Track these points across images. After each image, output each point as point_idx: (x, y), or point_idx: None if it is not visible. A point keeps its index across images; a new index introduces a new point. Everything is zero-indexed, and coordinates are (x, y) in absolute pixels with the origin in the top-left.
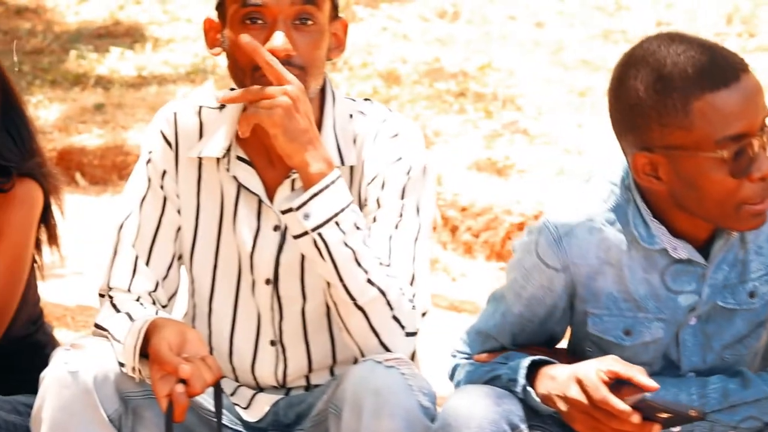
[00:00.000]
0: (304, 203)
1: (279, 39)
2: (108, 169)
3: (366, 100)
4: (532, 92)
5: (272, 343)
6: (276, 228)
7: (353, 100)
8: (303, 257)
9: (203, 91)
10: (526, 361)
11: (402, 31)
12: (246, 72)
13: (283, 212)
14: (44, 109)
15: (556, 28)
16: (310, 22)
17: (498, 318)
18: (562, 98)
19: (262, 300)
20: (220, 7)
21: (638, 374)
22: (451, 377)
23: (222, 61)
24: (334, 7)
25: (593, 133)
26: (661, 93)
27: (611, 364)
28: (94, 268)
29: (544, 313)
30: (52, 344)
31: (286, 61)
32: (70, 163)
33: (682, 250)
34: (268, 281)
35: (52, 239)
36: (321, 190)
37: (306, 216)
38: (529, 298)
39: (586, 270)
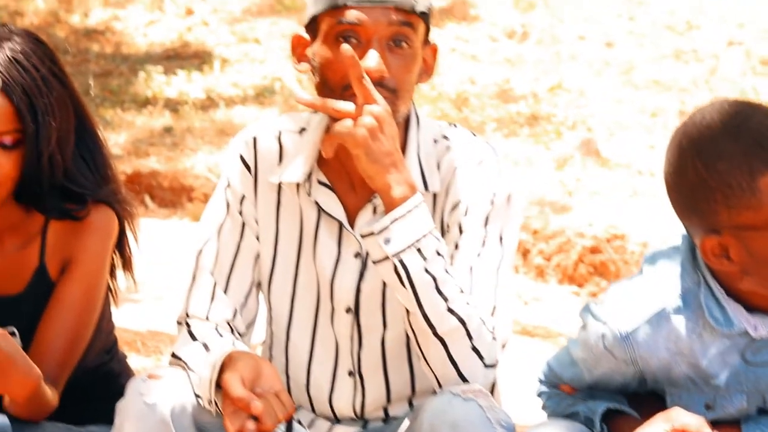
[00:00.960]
0: (386, 227)
1: (373, 59)
2: (177, 191)
3: (451, 124)
4: (603, 113)
5: (350, 373)
6: (357, 255)
7: (437, 124)
8: (385, 284)
9: (283, 117)
10: (603, 408)
11: (470, 52)
12: (335, 90)
13: (364, 236)
14: (113, 132)
15: (626, 48)
16: (404, 45)
17: (574, 374)
18: (633, 119)
19: (341, 329)
20: (312, 23)
21: (704, 427)
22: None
23: (291, 84)
24: (427, 32)
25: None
26: (723, 173)
27: (677, 419)
28: (164, 292)
29: (618, 385)
30: (126, 373)
31: (378, 83)
32: (140, 186)
33: (763, 327)
34: (348, 309)
35: (127, 265)
36: (403, 215)
37: (387, 241)
38: (601, 376)
39: (657, 362)
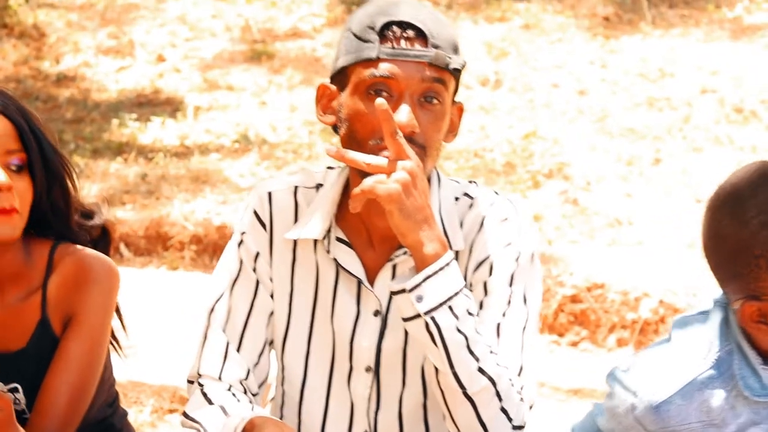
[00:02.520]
0: (418, 285)
1: (405, 114)
2: (153, 240)
3: (471, 182)
4: (579, 161)
5: None
6: (377, 313)
7: (457, 182)
8: (405, 343)
9: (297, 173)
10: None
11: None
12: (363, 144)
13: (395, 293)
14: (87, 180)
15: (599, 96)
16: (435, 101)
17: None
18: (610, 167)
19: (359, 388)
20: (340, 74)
21: None
22: None
23: (265, 131)
24: (456, 90)
25: (643, 203)
26: (766, 238)
27: None
28: (143, 341)
29: None
30: (127, 428)
31: (408, 138)
32: (115, 234)
33: None
34: (368, 369)
35: (119, 315)
36: (435, 272)
37: (419, 298)
38: None
39: None
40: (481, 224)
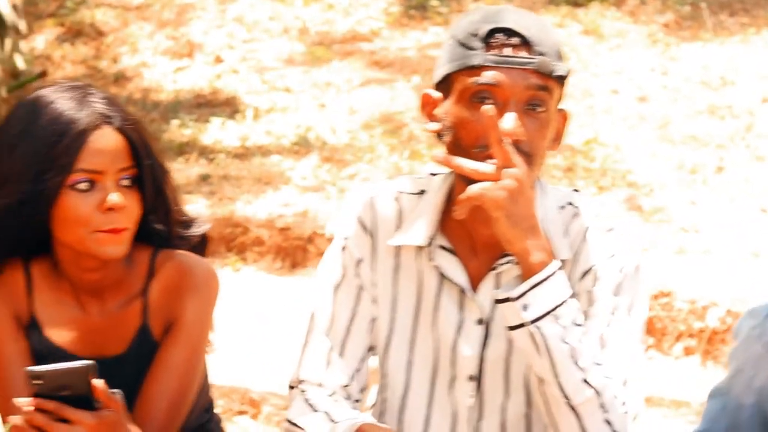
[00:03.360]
0: (524, 293)
1: (511, 121)
2: (216, 241)
3: (575, 190)
4: (641, 168)
5: None
6: (480, 321)
7: (561, 190)
8: (508, 352)
9: (400, 178)
10: None
11: None
12: (467, 151)
13: (500, 301)
14: None
15: (660, 103)
16: (540, 109)
17: (729, 416)
18: (672, 174)
19: (461, 397)
20: (444, 81)
21: None
22: None
23: (325, 133)
24: (561, 97)
25: (707, 211)
26: None
27: None
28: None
29: None
30: None
31: (514, 146)
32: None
33: None
34: (471, 377)
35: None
36: (542, 281)
37: (525, 307)
38: (761, 387)
39: None
40: (586, 234)
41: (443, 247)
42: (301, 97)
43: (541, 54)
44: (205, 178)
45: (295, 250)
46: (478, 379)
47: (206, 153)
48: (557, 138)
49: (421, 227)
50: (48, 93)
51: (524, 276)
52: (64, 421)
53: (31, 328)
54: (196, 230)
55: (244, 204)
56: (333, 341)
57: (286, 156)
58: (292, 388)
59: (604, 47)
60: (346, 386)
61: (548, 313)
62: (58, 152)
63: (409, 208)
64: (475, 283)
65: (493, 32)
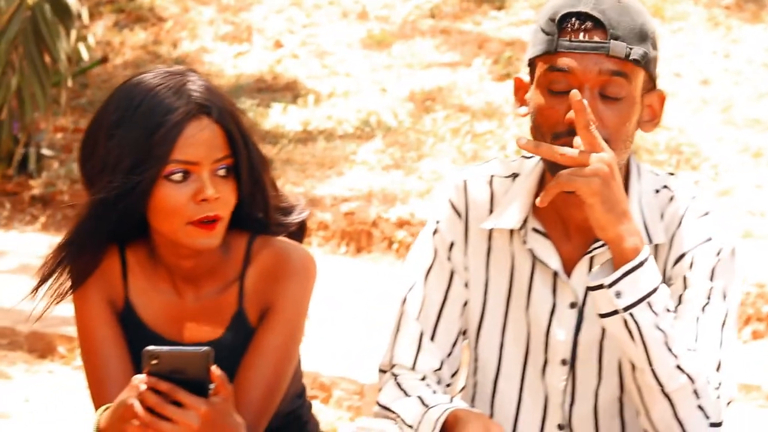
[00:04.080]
0: (617, 280)
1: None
2: None
3: (671, 174)
4: (706, 151)
5: (560, 427)
6: (573, 305)
7: (657, 173)
8: (602, 336)
9: (493, 161)
10: None
11: None
12: (546, 137)
13: (592, 288)
14: None
15: (723, 86)
16: (617, 94)
17: None
18: (737, 158)
19: (553, 381)
20: (530, 67)
21: None
22: None
23: (387, 117)
24: (651, 78)
25: None
26: None
27: None
28: None
29: None
30: (313, 420)
31: None
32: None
33: None
34: (564, 362)
35: None
36: (634, 268)
37: (618, 294)
38: None
39: None
40: (682, 217)
41: (536, 231)
42: (361, 81)
43: (616, 38)
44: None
45: (359, 235)
46: (570, 363)
47: (268, 138)
48: (653, 119)
49: (514, 211)
50: (146, 80)
51: (616, 262)
52: (176, 403)
53: (125, 313)
54: (295, 217)
55: (308, 188)
56: (424, 326)
57: (348, 140)
58: (383, 372)
59: (666, 30)
60: (438, 370)
61: (642, 300)
62: (153, 143)
63: (502, 192)
64: (568, 266)
65: (567, 16)
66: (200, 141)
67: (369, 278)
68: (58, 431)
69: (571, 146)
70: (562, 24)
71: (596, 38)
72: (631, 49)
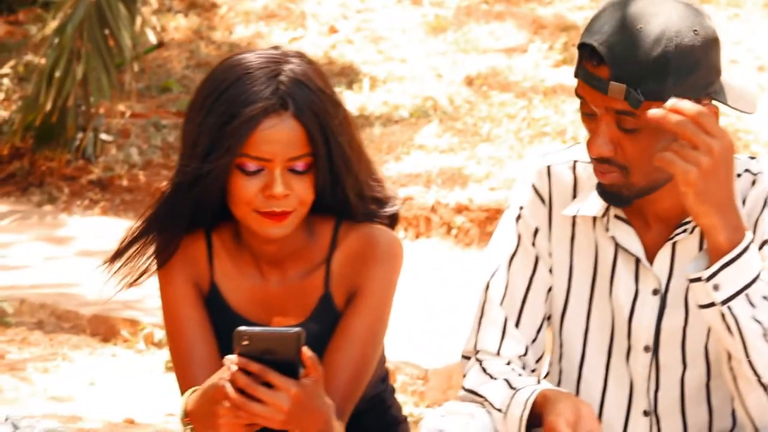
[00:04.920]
0: (715, 274)
1: (595, 139)
2: None
3: (751, 157)
4: (764, 138)
5: (646, 413)
6: (656, 292)
7: (737, 157)
8: (685, 323)
9: (576, 146)
10: None
11: None
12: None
13: (691, 281)
14: None
15: None
16: (630, 127)
17: None
18: None
19: (637, 368)
20: None
21: None
22: None
23: (443, 103)
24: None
25: None
26: None
27: None
28: None
29: None
30: (396, 405)
31: (607, 160)
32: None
33: None
34: (647, 348)
35: None
36: (731, 261)
37: (716, 287)
38: None
39: None
40: (765, 202)
41: (619, 218)
42: (417, 66)
43: (617, 78)
44: None
45: (418, 220)
46: (653, 349)
47: None
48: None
49: (596, 197)
50: (243, 61)
51: (711, 254)
52: (266, 385)
53: (211, 296)
54: (387, 210)
55: None
56: (509, 312)
57: (405, 125)
58: (466, 358)
59: (722, 17)
60: (523, 356)
61: (739, 292)
62: (227, 134)
63: (585, 177)
64: (650, 253)
65: (582, 46)
66: (275, 138)
67: (428, 263)
68: (122, 414)
69: None
70: (581, 50)
71: (600, 75)
72: (633, 90)
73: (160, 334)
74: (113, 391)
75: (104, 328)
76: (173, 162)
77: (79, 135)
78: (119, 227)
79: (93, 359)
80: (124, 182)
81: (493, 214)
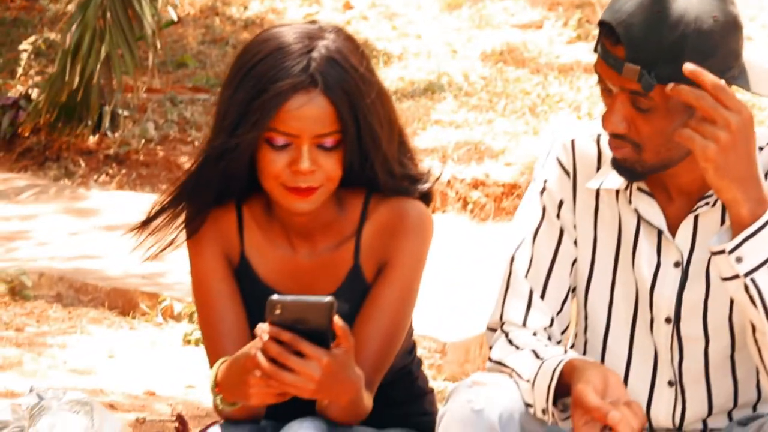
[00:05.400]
0: (738, 246)
1: (610, 115)
2: None
3: None
4: None
5: (670, 383)
6: (677, 264)
7: (759, 131)
8: (706, 296)
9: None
10: None
11: None
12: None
13: (714, 253)
14: None
15: None
16: (642, 104)
17: None
18: None
19: (660, 339)
20: None
21: None
22: None
23: (458, 79)
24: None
25: None
26: None
27: None
28: None
29: None
30: (422, 377)
31: (621, 136)
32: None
33: None
34: (668, 320)
35: None
36: (754, 233)
37: (739, 260)
38: None
39: None
40: None
41: (641, 190)
42: (432, 42)
43: (633, 59)
44: None
45: (434, 195)
46: (675, 321)
47: None
48: None
49: None
50: (278, 35)
51: (733, 226)
52: (298, 354)
53: (241, 267)
54: (420, 186)
55: None
56: (534, 284)
57: (420, 101)
58: (492, 330)
59: None
60: (548, 327)
61: (762, 265)
62: (254, 108)
63: (609, 150)
64: (673, 226)
65: (602, 24)
66: (303, 115)
67: (445, 238)
68: (142, 387)
69: None
70: (600, 27)
71: (616, 54)
72: (646, 73)
73: (179, 307)
74: (132, 364)
75: (123, 302)
76: (189, 137)
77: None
78: (139, 201)
79: (112, 332)
80: (141, 157)
81: (508, 189)
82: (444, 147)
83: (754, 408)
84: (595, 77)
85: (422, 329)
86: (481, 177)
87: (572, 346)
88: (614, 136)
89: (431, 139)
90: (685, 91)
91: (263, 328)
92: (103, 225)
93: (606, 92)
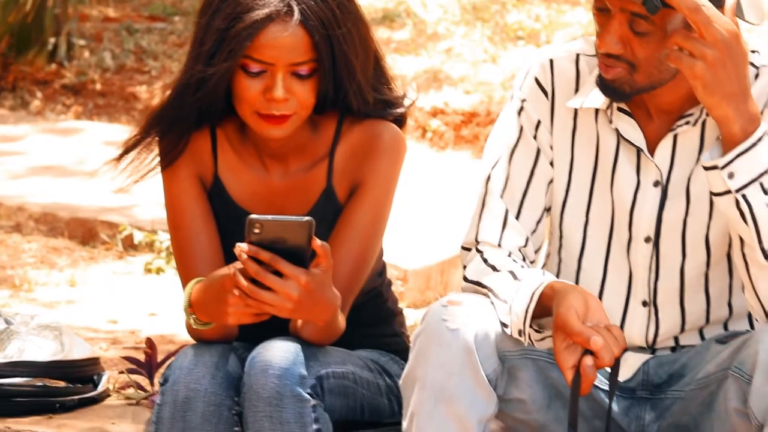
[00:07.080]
0: (730, 162)
1: (604, 37)
2: None
3: (753, 51)
4: None
5: (644, 303)
6: (657, 183)
7: (751, 51)
8: (686, 214)
9: (579, 40)
10: None
11: None
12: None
13: (706, 169)
14: None
15: None
16: (640, 30)
17: None
18: None
19: (637, 258)
20: None
21: None
22: None
23: (416, 7)
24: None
25: None
26: None
27: None
28: None
29: None
30: (392, 299)
31: (616, 56)
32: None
33: None
34: (647, 239)
35: None
36: (747, 149)
37: (731, 175)
38: None
39: None
40: None
41: (622, 110)
42: None
43: None
44: None
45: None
46: (654, 240)
47: None
48: None
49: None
50: None
51: (724, 142)
52: (276, 273)
53: (214, 188)
54: (393, 110)
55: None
56: (509, 203)
57: (378, 30)
58: (466, 249)
59: None
60: (523, 247)
61: (753, 180)
62: (230, 36)
63: (588, 70)
64: (652, 145)
65: None
66: (278, 44)
67: (404, 167)
68: (105, 316)
69: None
70: None
71: None
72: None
73: (139, 236)
74: (94, 293)
75: (82, 231)
76: (146, 66)
77: (52, 40)
78: (98, 131)
79: (72, 262)
80: (98, 86)
81: (468, 118)
82: (403, 75)
83: (725, 325)
84: (553, 6)
85: (384, 257)
86: (441, 105)
87: (544, 266)
88: (608, 56)
89: (389, 67)
90: (684, 2)
91: (242, 248)
92: (63, 156)
93: (601, 12)
